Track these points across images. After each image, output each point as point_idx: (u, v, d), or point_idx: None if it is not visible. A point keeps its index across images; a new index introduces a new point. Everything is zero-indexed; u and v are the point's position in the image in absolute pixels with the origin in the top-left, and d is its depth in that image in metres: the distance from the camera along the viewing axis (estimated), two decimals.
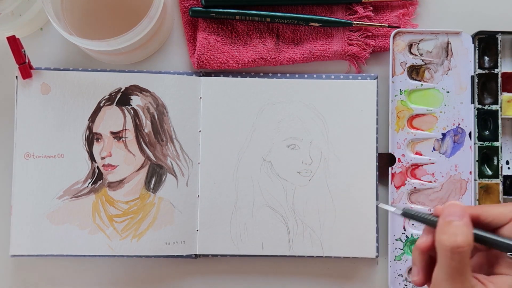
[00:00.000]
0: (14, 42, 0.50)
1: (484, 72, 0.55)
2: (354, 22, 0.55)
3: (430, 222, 0.41)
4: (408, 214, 0.43)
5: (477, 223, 0.39)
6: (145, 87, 0.53)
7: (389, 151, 0.54)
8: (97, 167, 0.53)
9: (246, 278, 0.55)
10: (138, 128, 0.53)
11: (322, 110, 0.54)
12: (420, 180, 0.54)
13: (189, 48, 0.56)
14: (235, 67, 0.54)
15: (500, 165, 0.54)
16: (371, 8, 0.56)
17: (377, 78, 0.55)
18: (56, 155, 0.53)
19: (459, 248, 0.37)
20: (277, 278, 0.55)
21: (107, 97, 0.53)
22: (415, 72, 0.55)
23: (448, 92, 0.55)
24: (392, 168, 0.54)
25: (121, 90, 0.53)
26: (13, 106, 0.53)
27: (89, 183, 0.53)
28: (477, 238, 0.38)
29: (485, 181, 0.54)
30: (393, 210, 0.44)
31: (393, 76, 0.55)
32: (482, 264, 0.40)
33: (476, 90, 0.54)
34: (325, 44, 0.55)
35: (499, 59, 0.55)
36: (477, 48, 0.55)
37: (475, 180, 0.54)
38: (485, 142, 0.54)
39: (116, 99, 0.53)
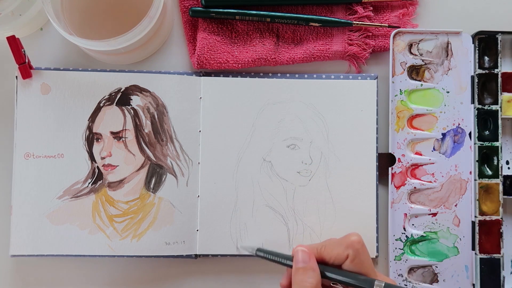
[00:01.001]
0: (14, 42, 0.50)
1: (484, 72, 0.55)
2: (354, 22, 0.55)
3: (283, 263, 0.46)
4: (260, 255, 0.48)
5: (325, 262, 0.44)
6: (145, 87, 0.53)
7: (389, 151, 0.54)
8: (97, 167, 0.53)
9: (246, 278, 0.55)
10: (138, 128, 0.53)
11: (322, 110, 0.54)
12: (420, 180, 0.54)
13: (189, 48, 0.56)
14: (235, 67, 0.54)
15: (500, 165, 0.54)
16: (371, 8, 0.56)
17: (377, 78, 0.55)
18: (56, 155, 0.53)
19: None
20: (277, 278, 0.55)
21: (107, 97, 0.53)
22: (415, 72, 0.55)
23: (448, 92, 0.55)
24: (392, 168, 0.54)
25: (121, 90, 0.53)
26: (13, 106, 0.53)
27: (89, 183, 0.53)
28: (325, 275, 0.44)
29: (485, 181, 0.54)
30: (249, 251, 0.49)
31: (393, 76, 0.55)
32: None
33: (476, 90, 0.54)
34: (325, 44, 0.55)
35: (499, 59, 0.55)
36: (477, 48, 0.55)
37: (475, 180, 0.54)
38: (485, 142, 0.54)
39: (116, 99, 0.53)
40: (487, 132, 0.55)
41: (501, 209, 0.54)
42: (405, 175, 0.54)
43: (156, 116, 0.53)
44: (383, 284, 0.42)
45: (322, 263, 0.45)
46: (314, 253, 0.45)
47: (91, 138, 0.53)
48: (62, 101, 0.53)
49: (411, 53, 0.55)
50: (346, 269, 0.44)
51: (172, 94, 0.54)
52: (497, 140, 0.54)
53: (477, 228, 0.53)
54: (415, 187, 0.54)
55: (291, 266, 0.45)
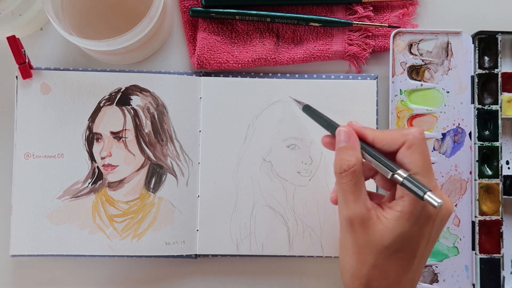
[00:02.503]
0: (14, 42, 0.50)
1: (484, 72, 0.55)
2: (354, 22, 0.55)
3: (325, 127, 0.46)
4: (306, 112, 0.47)
5: (375, 146, 0.42)
6: (145, 87, 0.53)
7: None
8: (97, 167, 0.53)
9: (246, 278, 0.55)
10: (138, 128, 0.53)
11: (322, 110, 0.54)
12: None
13: (189, 48, 0.56)
14: (235, 67, 0.54)
15: (500, 165, 0.54)
16: (371, 8, 0.56)
17: (377, 78, 0.55)
18: (56, 155, 0.53)
19: (344, 171, 0.40)
20: (277, 278, 0.55)
21: (107, 97, 0.53)
22: (415, 72, 0.55)
23: (448, 92, 0.55)
24: None
25: (121, 90, 0.53)
26: (13, 106, 0.53)
27: (89, 183, 0.53)
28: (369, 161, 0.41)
29: (485, 181, 0.54)
30: (297, 105, 0.48)
31: (393, 76, 0.55)
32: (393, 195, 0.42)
33: (476, 90, 0.54)
34: (325, 44, 0.55)
35: (499, 59, 0.55)
36: (477, 48, 0.55)
37: (475, 180, 0.54)
38: (485, 142, 0.54)
39: (116, 99, 0.53)
40: (487, 132, 0.55)
41: (501, 209, 0.54)
42: None
43: (156, 116, 0.53)
44: (406, 175, 0.38)
45: (370, 145, 0.42)
46: (368, 137, 0.42)
47: (91, 138, 0.53)
48: (62, 101, 0.53)
49: (411, 53, 0.55)
50: (399, 161, 0.40)
51: (172, 94, 0.54)
52: (497, 140, 0.54)
53: (477, 228, 0.53)
54: None
55: (330, 132, 0.45)
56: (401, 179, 0.38)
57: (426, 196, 0.36)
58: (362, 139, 0.42)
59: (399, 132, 0.41)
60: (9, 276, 0.54)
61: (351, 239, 0.40)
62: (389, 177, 0.39)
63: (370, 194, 0.42)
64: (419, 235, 0.40)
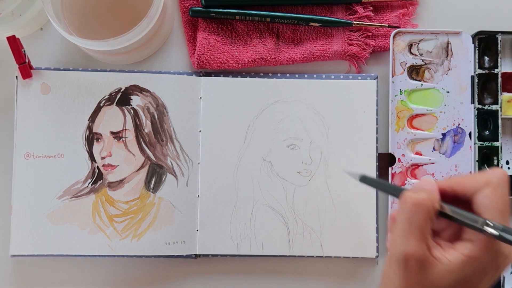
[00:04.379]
0: (14, 42, 0.50)
1: (484, 72, 0.55)
2: (354, 22, 0.55)
3: (389, 190, 0.42)
4: (366, 180, 0.43)
5: (453, 198, 0.38)
6: (145, 87, 0.54)
7: (389, 151, 0.54)
8: (97, 167, 0.53)
9: (246, 278, 0.55)
10: (138, 128, 0.53)
11: (322, 110, 0.54)
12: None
13: (189, 48, 0.56)
14: (235, 67, 0.54)
15: (500, 165, 0.54)
16: (371, 8, 0.56)
17: (377, 78, 0.55)
18: (56, 155, 0.53)
19: (420, 203, 0.36)
20: (277, 278, 0.55)
21: (107, 97, 0.53)
22: (415, 72, 0.55)
23: (448, 92, 0.55)
24: (392, 168, 0.54)
25: (121, 90, 0.53)
26: (13, 106, 0.53)
27: (89, 183, 0.53)
28: (444, 214, 0.37)
29: None
30: (353, 175, 0.44)
31: (393, 76, 0.55)
32: (453, 233, 0.39)
33: (476, 90, 0.54)
34: (325, 44, 0.55)
35: (499, 59, 0.55)
36: (477, 48, 0.55)
37: None
38: (485, 142, 0.54)
39: (116, 99, 0.53)
40: (487, 132, 0.55)
41: None
42: (405, 175, 0.54)
43: (156, 116, 0.53)
44: (502, 227, 0.34)
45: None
46: (446, 187, 0.38)
47: (91, 138, 0.53)
48: (62, 101, 0.53)
49: (411, 53, 0.55)
50: (478, 203, 0.36)
51: (172, 94, 0.54)
52: (497, 140, 0.54)
53: None
54: None
55: (396, 196, 0.40)
56: (496, 232, 0.35)
57: None
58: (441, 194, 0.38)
59: (482, 175, 0.37)
60: (9, 276, 0.54)
61: (402, 276, 0.37)
62: (478, 226, 0.35)
63: None
64: (480, 279, 0.37)
